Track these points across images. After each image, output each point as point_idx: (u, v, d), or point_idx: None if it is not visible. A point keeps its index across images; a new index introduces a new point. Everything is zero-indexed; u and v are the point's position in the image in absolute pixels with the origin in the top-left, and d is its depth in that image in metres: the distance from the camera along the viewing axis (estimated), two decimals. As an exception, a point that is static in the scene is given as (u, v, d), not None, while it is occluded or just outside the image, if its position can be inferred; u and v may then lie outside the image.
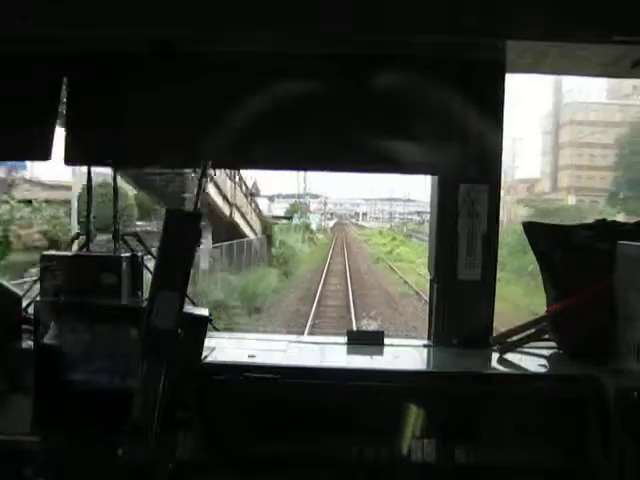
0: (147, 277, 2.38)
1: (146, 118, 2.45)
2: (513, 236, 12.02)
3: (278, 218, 25.50)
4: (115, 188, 2.91)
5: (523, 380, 2.28)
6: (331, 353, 2.57)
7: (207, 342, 2.20)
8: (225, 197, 14.50)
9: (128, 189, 12.50)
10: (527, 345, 2.49)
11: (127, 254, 2.44)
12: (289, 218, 26.91)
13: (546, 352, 2.48)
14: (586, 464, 2.10)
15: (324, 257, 24.47)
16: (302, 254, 23.61)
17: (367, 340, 2.58)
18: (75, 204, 12.34)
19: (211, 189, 12.68)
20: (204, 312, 2.22)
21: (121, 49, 2.39)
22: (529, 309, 10.07)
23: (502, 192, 2.61)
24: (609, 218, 2.51)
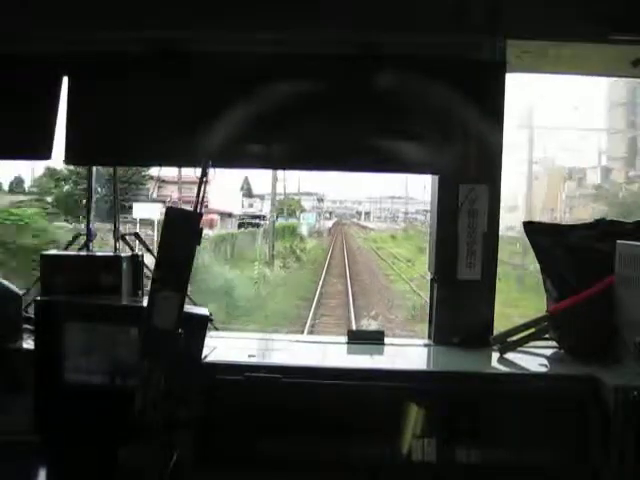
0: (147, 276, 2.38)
1: (146, 118, 2.46)
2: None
3: (246, 218, 16.74)
4: (115, 188, 2.92)
5: (523, 380, 2.28)
6: (331, 352, 2.57)
7: (207, 341, 2.21)
8: None
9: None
10: (527, 345, 2.48)
11: (128, 254, 2.44)
12: (262, 218, 17.31)
13: (546, 352, 2.48)
14: (586, 464, 2.10)
15: (302, 304, 11.08)
16: (249, 301, 10.50)
17: (368, 339, 2.59)
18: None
19: None
20: (204, 311, 2.22)
21: (121, 49, 2.39)
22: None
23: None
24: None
